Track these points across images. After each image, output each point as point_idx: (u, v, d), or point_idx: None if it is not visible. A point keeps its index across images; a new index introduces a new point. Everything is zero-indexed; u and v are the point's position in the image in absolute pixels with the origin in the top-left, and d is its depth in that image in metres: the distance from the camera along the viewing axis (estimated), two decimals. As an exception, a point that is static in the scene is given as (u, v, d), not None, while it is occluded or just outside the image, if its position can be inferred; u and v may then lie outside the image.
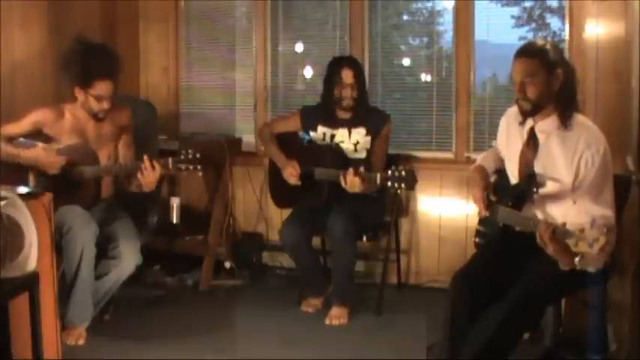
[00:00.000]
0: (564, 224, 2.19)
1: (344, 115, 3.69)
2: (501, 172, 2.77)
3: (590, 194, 2.38)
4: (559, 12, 3.96)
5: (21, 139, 3.24)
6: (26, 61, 3.77)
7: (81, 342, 3.11)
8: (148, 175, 3.09)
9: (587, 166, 2.38)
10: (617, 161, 2.65)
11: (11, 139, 3.23)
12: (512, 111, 2.65)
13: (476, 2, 3.99)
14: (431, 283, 4.08)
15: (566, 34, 3.81)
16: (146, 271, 4.04)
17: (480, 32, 4.02)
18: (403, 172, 3.16)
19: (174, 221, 4.21)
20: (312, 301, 3.71)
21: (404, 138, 4.19)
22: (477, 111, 4.08)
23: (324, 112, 3.72)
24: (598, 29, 3.47)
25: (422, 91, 4.28)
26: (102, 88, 3.17)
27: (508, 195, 2.60)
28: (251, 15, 4.56)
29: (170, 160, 3.15)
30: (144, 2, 4.73)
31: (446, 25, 4.19)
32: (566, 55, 3.70)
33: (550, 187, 2.49)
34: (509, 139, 2.69)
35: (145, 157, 3.09)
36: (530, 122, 2.55)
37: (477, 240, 2.78)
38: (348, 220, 3.44)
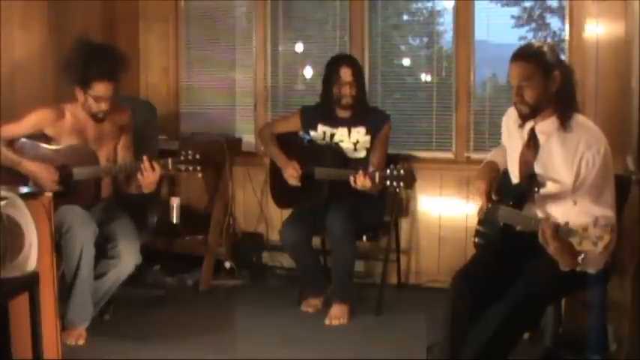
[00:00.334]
0: (567, 223, 2.18)
1: (343, 114, 3.69)
2: (503, 172, 2.77)
3: (591, 195, 2.38)
4: (559, 12, 3.96)
5: (22, 139, 3.24)
6: (26, 61, 3.77)
7: (81, 342, 3.11)
8: (148, 176, 3.10)
9: (588, 167, 2.37)
10: (617, 161, 2.64)
11: (12, 140, 3.23)
12: (513, 111, 2.65)
13: (476, 2, 3.99)
14: (431, 283, 4.08)
15: (566, 34, 3.81)
16: (146, 271, 4.04)
17: (480, 32, 4.02)
18: (402, 171, 3.17)
19: (174, 221, 4.21)
20: (312, 301, 3.71)
21: (404, 138, 4.19)
22: (477, 111, 4.08)
23: (324, 111, 3.72)
24: (598, 29, 3.47)
25: (422, 91, 4.28)
26: (101, 89, 3.17)
27: (509, 194, 2.60)
28: (251, 15, 4.56)
29: (170, 160, 3.15)
30: (144, 2, 4.73)
31: (446, 25, 4.19)
32: (566, 55, 3.71)
33: (550, 187, 2.48)
34: (509, 139, 2.69)
35: (145, 158, 3.09)
36: (530, 123, 2.55)
37: (476, 240, 2.78)
38: (347, 218, 3.44)
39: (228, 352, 3.10)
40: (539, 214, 2.51)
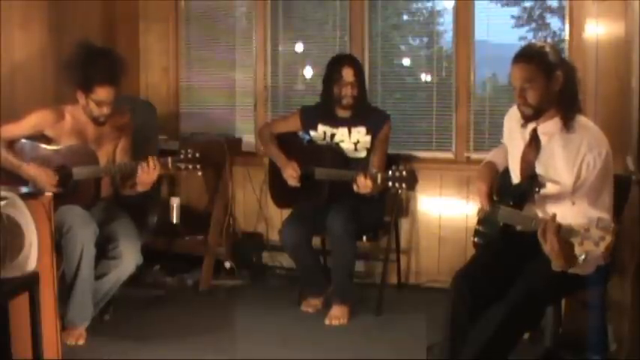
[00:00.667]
0: (569, 224, 2.18)
1: (344, 114, 3.69)
2: (503, 172, 2.76)
3: (589, 197, 2.37)
4: (559, 12, 3.96)
5: (22, 140, 3.24)
6: (26, 61, 3.77)
7: (81, 342, 3.11)
8: (148, 175, 3.10)
9: (589, 169, 2.37)
10: (617, 161, 2.64)
11: (12, 141, 3.23)
12: (514, 111, 2.64)
13: (476, 2, 3.99)
14: (431, 283, 4.08)
15: (566, 34, 3.81)
16: (146, 271, 4.04)
17: (480, 32, 4.02)
18: (404, 172, 3.17)
19: (174, 221, 4.21)
20: (312, 301, 3.71)
21: (404, 138, 4.18)
22: (477, 111, 4.08)
23: (324, 110, 3.72)
24: (598, 29, 3.47)
25: (422, 91, 4.28)
26: (103, 93, 3.17)
27: (509, 194, 2.59)
28: (251, 15, 4.56)
29: (170, 159, 3.15)
30: (144, 2, 4.73)
31: (446, 25, 4.19)
32: (566, 55, 3.71)
33: (550, 188, 2.48)
34: (511, 139, 2.69)
35: (150, 158, 3.10)
36: (532, 124, 2.55)
37: (475, 240, 2.78)
38: (347, 218, 3.44)
39: (228, 352, 3.10)
40: (539, 214, 2.51)
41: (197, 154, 3.16)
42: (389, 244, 3.85)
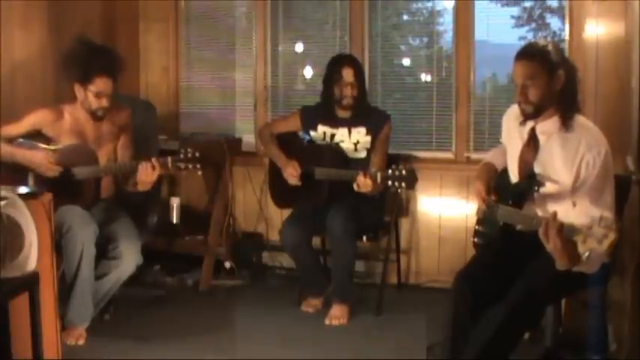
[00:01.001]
0: (571, 223, 2.18)
1: (344, 114, 3.69)
2: (502, 171, 2.76)
3: (591, 196, 2.37)
4: (559, 12, 3.96)
5: (20, 139, 3.24)
6: (26, 61, 3.77)
7: (81, 342, 3.11)
8: (147, 175, 3.10)
9: (588, 169, 2.37)
10: (617, 161, 2.64)
11: (11, 140, 3.23)
12: (513, 110, 2.64)
13: (476, 2, 3.99)
14: (431, 283, 4.08)
15: (566, 34, 3.81)
16: (146, 271, 4.04)
17: (480, 32, 4.02)
18: (404, 172, 3.17)
19: (174, 221, 4.21)
20: (312, 301, 3.71)
21: (404, 138, 4.18)
22: (477, 111, 4.08)
23: (324, 111, 3.72)
24: (598, 29, 3.48)
25: (422, 91, 4.28)
26: (101, 84, 3.17)
27: (508, 194, 2.59)
28: (251, 15, 4.56)
29: (170, 159, 3.15)
30: (144, 2, 4.73)
31: (446, 25, 4.19)
32: (566, 55, 3.71)
33: (549, 188, 2.48)
34: (509, 139, 2.69)
35: (150, 158, 3.10)
36: (531, 123, 2.55)
37: (475, 240, 2.78)
38: (347, 218, 3.44)
39: (228, 352, 3.10)
40: (540, 213, 2.51)
41: (197, 154, 3.16)
42: (389, 244, 3.85)
